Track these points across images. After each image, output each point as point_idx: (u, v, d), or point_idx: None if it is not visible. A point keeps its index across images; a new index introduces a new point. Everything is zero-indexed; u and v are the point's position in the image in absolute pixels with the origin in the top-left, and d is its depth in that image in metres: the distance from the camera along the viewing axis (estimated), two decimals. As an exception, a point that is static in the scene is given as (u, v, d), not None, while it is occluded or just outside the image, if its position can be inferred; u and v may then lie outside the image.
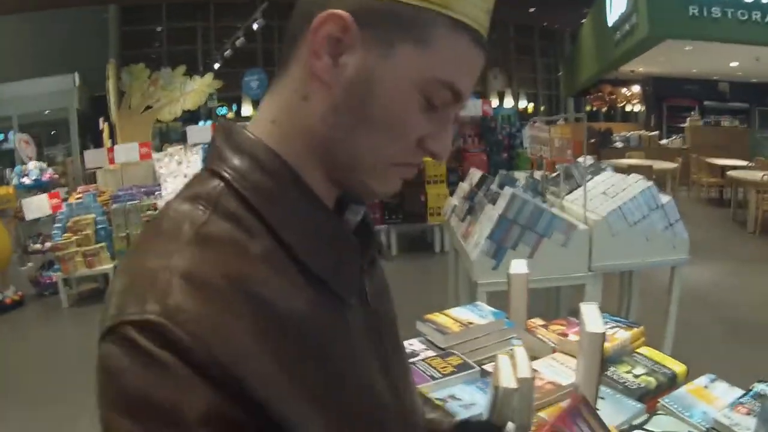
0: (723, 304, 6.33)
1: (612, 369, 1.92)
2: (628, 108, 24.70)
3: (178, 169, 9.17)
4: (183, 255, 0.68)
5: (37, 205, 8.53)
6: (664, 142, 18.03)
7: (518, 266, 2.14)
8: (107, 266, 7.79)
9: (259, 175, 0.77)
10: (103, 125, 12.91)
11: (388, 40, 0.75)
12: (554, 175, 5.01)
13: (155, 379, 0.62)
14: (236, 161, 0.78)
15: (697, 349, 2.14)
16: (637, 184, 4.09)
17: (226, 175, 0.77)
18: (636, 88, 23.50)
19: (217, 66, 17.17)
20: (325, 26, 0.75)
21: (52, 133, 15.22)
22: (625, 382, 1.84)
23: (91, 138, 14.92)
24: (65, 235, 7.80)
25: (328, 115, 0.78)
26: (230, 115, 19.67)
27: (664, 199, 4.01)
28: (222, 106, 18.53)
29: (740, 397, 1.69)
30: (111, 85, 14.32)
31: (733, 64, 16.27)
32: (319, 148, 0.80)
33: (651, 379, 1.84)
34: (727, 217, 11.29)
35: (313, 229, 0.78)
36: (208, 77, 15.52)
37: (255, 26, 14.00)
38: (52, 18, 16.23)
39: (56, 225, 8.08)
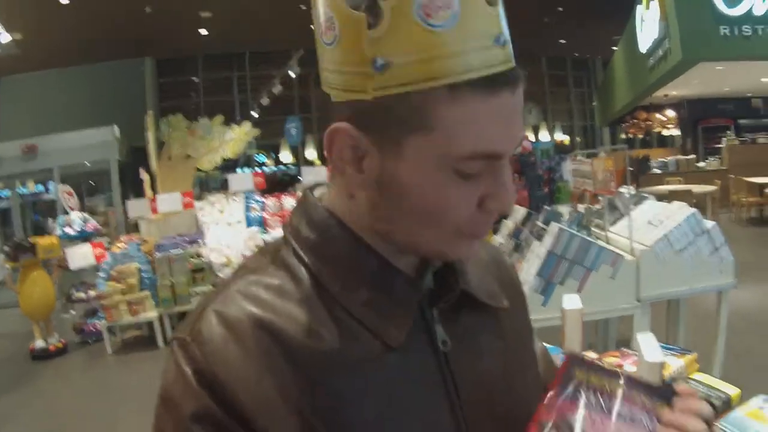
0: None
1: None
2: (664, 133, 24.51)
3: (220, 217, 9.26)
4: (226, 294, 0.85)
5: (82, 255, 8.62)
6: (701, 164, 17.82)
7: (572, 301, 2.16)
8: (151, 314, 7.87)
9: (308, 231, 0.89)
10: (144, 175, 13.11)
11: (394, 139, 0.76)
12: (597, 207, 5.01)
13: (175, 379, 0.81)
14: (297, 222, 0.91)
15: (747, 372, 2.15)
16: (680, 211, 4.08)
17: (288, 233, 0.91)
18: (670, 113, 23.32)
19: (254, 114, 17.44)
20: (335, 143, 0.80)
21: (93, 184, 15.49)
22: None
23: (132, 188, 15.15)
24: (109, 283, 7.90)
25: (372, 212, 0.84)
26: (269, 162, 19.89)
27: (709, 224, 3.99)
28: (261, 153, 18.76)
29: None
30: (150, 135, 14.55)
31: (765, 79, 16.12)
32: (378, 232, 0.86)
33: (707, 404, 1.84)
34: (768, 235, 11.06)
35: (357, 277, 0.85)
36: (246, 125, 15.72)
37: (291, 74, 14.23)
38: (91, 72, 16.67)
39: (100, 274, 8.19)
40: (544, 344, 1.29)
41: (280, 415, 0.77)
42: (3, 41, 9.89)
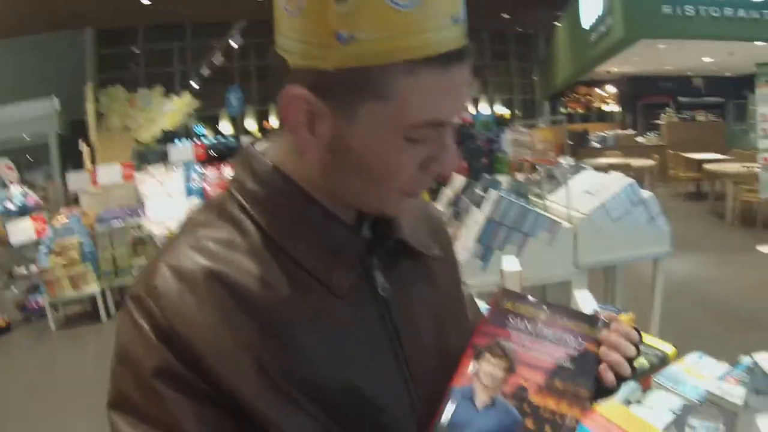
0: (705, 293, 6.45)
1: (606, 353, 2.00)
2: (603, 108, 24.90)
3: (160, 188, 9.16)
4: (176, 249, 0.88)
5: (22, 230, 8.46)
6: (640, 139, 18.13)
7: (511, 263, 2.21)
8: (93, 287, 7.79)
9: (253, 184, 0.93)
10: (84, 147, 12.90)
11: (350, 105, 0.80)
12: (536, 176, 5.10)
13: (132, 337, 0.83)
14: (241, 176, 0.95)
15: (682, 336, 2.23)
16: (618, 181, 4.18)
17: (233, 187, 0.95)
18: (611, 88, 23.70)
19: (194, 85, 17.21)
20: (290, 107, 0.83)
21: (31, 158, 15.18)
22: None
23: (71, 161, 14.88)
24: (51, 258, 7.76)
25: (321, 171, 0.89)
26: (208, 132, 19.67)
27: (645, 194, 4.11)
28: (200, 124, 18.55)
29: (729, 371, 1.78)
30: (89, 107, 14.31)
31: (707, 59, 16.44)
32: (324, 187, 0.91)
33: (643, 361, 1.93)
34: (705, 209, 11.43)
35: (302, 229, 0.90)
36: (186, 97, 15.54)
37: (233, 44, 14.07)
38: (29, 44, 16.24)
39: (42, 248, 8.04)
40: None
41: (237, 364, 0.81)
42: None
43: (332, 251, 0.91)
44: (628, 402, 1.73)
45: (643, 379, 1.86)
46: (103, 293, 7.89)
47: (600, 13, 11.88)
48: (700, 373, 1.81)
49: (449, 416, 0.90)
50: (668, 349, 1.99)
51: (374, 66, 0.77)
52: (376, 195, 0.89)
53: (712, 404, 1.64)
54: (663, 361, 1.95)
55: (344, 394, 0.86)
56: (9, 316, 8.18)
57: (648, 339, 2.08)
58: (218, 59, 15.26)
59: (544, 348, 0.94)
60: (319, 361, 0.85)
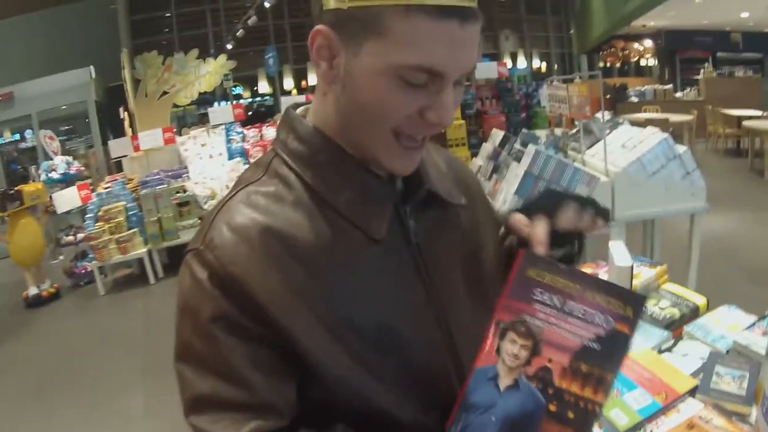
0: (742, 250, 6.41)
1: (640, 303, 2.08)
2: (641, 62, 24.50)
3: (202, 150, 9.33)
4: (230, 205, 0.99)
5: (68, 198, 8.64)
6: (678, 95, 17.85)
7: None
8: (141, 251, 7.96)
9: (296, 143, 1.04)
10: (124, 114, 13.03)
11: (357, 41, 0.90)
12: (573, 131, 5.12)
13: (191, 288, 0.95)
14: (285, 137, 1.07)
15: (716, 290, 2.27)
16: (653, 136, 4.20)
17: (278, 147, 1.07)
18: (648, 43, 23.28)
19: (229, 47, 17.25)
20: (315, 40, 0.94)
21: (72, 127, 15.34)
22: (652, 314, 2.01)
23: (111, 129, 15.06)
24: (97, 224, 7.94)
25: (336, 107, 0.99)
26: (246, 94, 19.73)
27: (681, 149, 4.12)
28: (237, 85, 18.60)
29: (756, 322, 1.85)
30: (126, 74, 14.42)
31: (744, 14, 16.12)
32: (343, 131, 1.02)
33: (675, 311, 2.00)
34: (744, 166, 11.23)
35: (342, 182, 1.01)
36: (222, 58, 15.57)
37: (266, 4, 14.03)
38: (62, 14, 16.36)
39: (88, 215, 8.22)
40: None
41: (287, 303, 0.92)
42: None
43: (369, 201, 1.02)
44: (659, 349, 1.80)
45: (675, 329, 1.93)
46: (150, 255, 8.05)
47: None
48: (729, 324, 1.87)
49: (472, 398, 0.92)
50: (700, 300, 2.05)
51: (376, 5, 0.86)
52: (374, 136, 0.97)
53: (738, 353, 1.71)
54: (694, 312, 2.01)
55: (378, 326, 0.97)
56: (58, 283, 8.36)
57: (680, 290, 2.16)
58: (252, 19, 15.26)
59: (571, 326, 0.91)
60: (358, 300, 0.96)
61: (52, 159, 10.13)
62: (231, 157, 9.17)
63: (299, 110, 1.11)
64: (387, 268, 1.01)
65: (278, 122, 1.13)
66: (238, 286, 0.91)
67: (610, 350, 0.90)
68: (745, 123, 11.39)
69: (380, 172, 1.05)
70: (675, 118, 12.93)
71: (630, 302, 0.91)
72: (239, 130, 9.73)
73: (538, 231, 0.97)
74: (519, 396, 0.91)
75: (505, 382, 0.91)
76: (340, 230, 0.98)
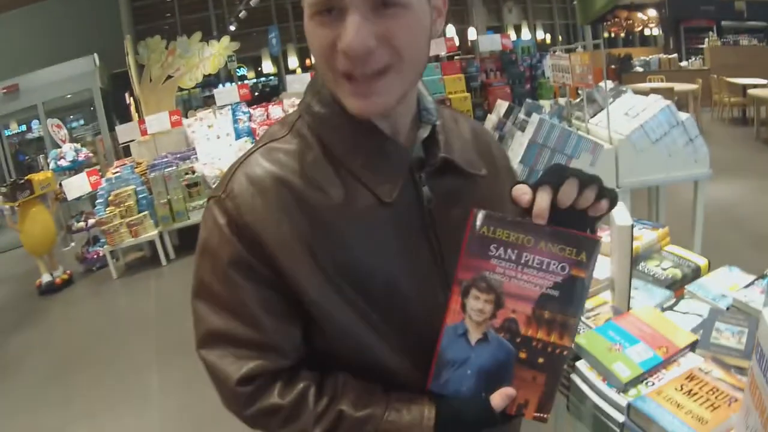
0: (747, 218, 6.41)
1: (643, 264, 2.13)
2: (645, 32, 24.40)
3: (209, 131, 9.37)
4: (251, 158, 1.07)
5: (78, 185, 8.66)
6: (683, 64, 17.75)
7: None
8: (152, 233, 8.02)
9: (318, 107, 1.10)
10: (130, 100, 13.06)
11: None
12: (577, 100, 5.15)
13: (211, 231, 1.04)
14: (309, 100, 1.13)
15: (719, 256, 2.31)
16: (656, 103, 4.22)
17: (302, 108, 1.14)
18: (652, 12, 23.17)
19: (232, 28, 17.25)
20: None
21: (78, 115, 15.36)
22: (654, 274, 2.06)
23: (117, 115, 15.10)
24: (108, 209, 7.99)
25: None
26: (251, 74, 19.73)
27: (683, 116, 4.14)
28: (241, 66, 18.60)
29: (755, 280, 1.90)
30: (130, 60, 14.43)
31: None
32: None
33: (677, 271, 2.05)
34: (750, 135, 11.13)
35: (358, 145, 1.08)
36: (225, 40, 15.55)
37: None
38: (64, 4, 16.35)
39: (98, 201, 8.28)
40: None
41: (295, 253, 1.00)
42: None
43: (383, 165, 1.07)
44: (661, 308, 1.84)
45: (677, 288, 1.98)
46: (161, 237, 8.11)
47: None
48: (729, 284, 1.92)
49: (447, 355, 0.99)
50: (701, 261, 2.09)
51: None
52: (329, 81, 1.02)
53: (737, 310, 1.75)
54: (696, 272, 2.05)
55: (383, 284, 1.04)
56: (70, 269, 8.44)
57: (682, 252, 2.20)
58: (254, 0, 15.26)
59: (530, 277, 0.95)
60: (365, 257, 1.03)
61: (60, 147, 10.16)
62: (238, 137, 9.21)
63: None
64: (396, 230, 1.06)
65: (306, 85, 1.17)
66: (253, 234, 1.00)
67: (569, 295, 0.94)
68: (750, 91, 11.31)
69: (401, 136, 1.11)
70: (680, 87, 12.83)
71: (583, 247, 0.94)
72: (245, 110, 9.75)
73: (539, 202, 0.96)
74: (489, 348, 0.97)
75: (474, 336, 0.98)
76: (352, 190, 1.04)
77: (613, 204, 1.00)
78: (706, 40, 17.76)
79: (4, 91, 12.89)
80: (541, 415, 0.98)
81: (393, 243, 1.06)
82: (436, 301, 1.06)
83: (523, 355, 0.96)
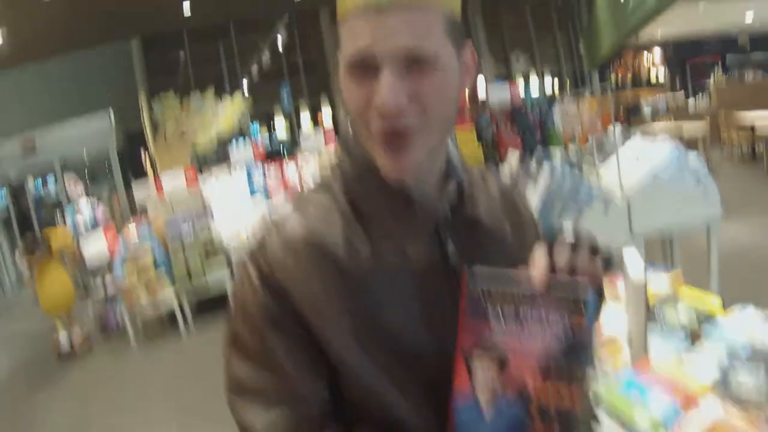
0: (763, 255, 6.31)
1: (658, 310, 2.15)
2: (652, 72, 24.54)
3: (225, 189, 9.47)
4: (285, 214, 1.10)
5: (95, 243, 8.79)
6: (690, 101, 17.87)
7: (566, 227, 2.38)
8: (169, 292, 8.01)
9: (349, 165, 1.14)
10: (145, 157, 13.22)
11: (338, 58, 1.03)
12: (587, 147, 5.20)
13: (245, 285, 1.07)
14: (338, 155, 1.18)
15: (737, 294, 2.32)
16: (664, 146, 4.26)
17: (333, 165, 1.18)
18: (657, 52, 23.33)
19: (245, 84, 17.48)
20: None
21: (94, 170, 15.54)
22: (670, 319, 2.07)
23: (133, 172, 15.24)
24: (125, 267, 8.01)
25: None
26: (263, 131, 19.90)
27: (692, 157, 4.18)
28: (254, 122, 18.77)
29: (769, 317, 1.92)
30: (145, 117, 14.65)
31: (749, 15, 16.12)
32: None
33: (693, 314, 2.06)
34: (761, 171, 11.10)
35: (387, 204, 1.11)
36: (238, 97, 15.77)
37: (278, 40, 14.25)
38: (79, 59, 16.66)
39: (115, 260, 8.30)
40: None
41: (324, 310, 1.03)
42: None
43: (410, 225, 1.10)
44: (678, 353, 1.86)
45: (692, 330, 1.99)
46: (180, 302, 8.08)
47: (633, -25, 11.76)
48: (745, 324, 1.93)
49: (458, 428, 0.96)
50: (716, 302, 2.11)
51: (339, 24, 1.01)
52: (364, 140, 1.06)
53: (754, 350, 1.75)
54: (710, 313, 2.06)
55: (408, 342, 1.06)
56: (89, 331, 8.45)
57: (696, 293, 2.22)
58: (265, 57, 15.50)
59: (531, 332, 0.93)
60: (390, 312, 1.05)
61: (76, 202, 10.30)
62: (253, 194, 9.31)
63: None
64: (423, 288, 1.08)
65: (337, 141, 1.29)
66: (283, 291, 1.03)
67: (572, 346, 0.92)
68: (758, 125, 11.35)
69: (424, 195, 1.13)
70: (688, 126, 12.89)
71: (579, 295, 0.92)
72: (260, 167, 9.89)
73: (535, 263, 0.97)
74: (502, 415, 0.95)
75: (485, 402, 0.95)
76: (380, 249, 1.07)
77: (608, 265, 1.00)
78: (712, 76, 17.85)
79: (24, 146, 13.13)
80: None
81: (420, 301, 1.08)
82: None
83: (537, 418, 0.93)
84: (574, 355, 0.92)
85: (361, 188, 1.12)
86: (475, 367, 0.96)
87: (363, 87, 0.99)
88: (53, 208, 14.40)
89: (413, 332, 1.07)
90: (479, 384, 0.95)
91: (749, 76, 17.94)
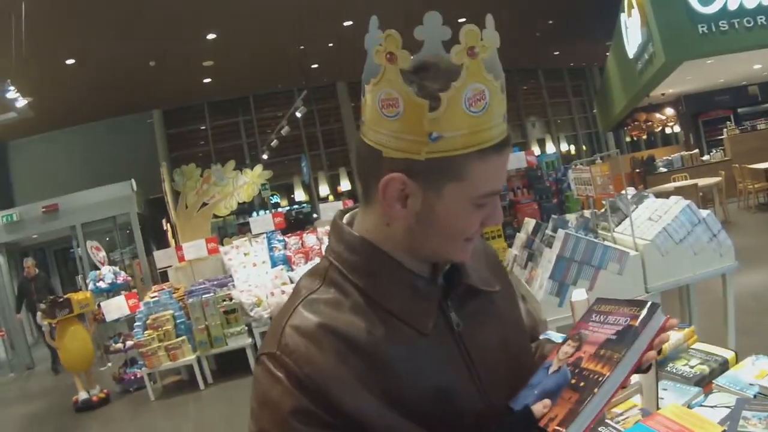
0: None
1: (671, 364, 2.20)
2: (666, 131, 24.66)
3: (245, 259, 9.59)
4: (296, 312, 1.15)
5: (116, 306, 8.96)
6: (705, 158, 17.91)
7: (578, 295, 2.44)
8: (190, 357, 8.11)
9: (349, 255, 1.21)
10: (166, 226, 13.39)
11: (437, 185, 1.10)
12: (602, 211, 5.27)
13: (271, 385, 1.09)
14: (337, 248, 1.24)
15: (756, 344, 2.35)
16: (677, 204, 4.32)
17: (332, 257, 1.23)
18: (670, 110, 23.44)
19: (264, 156, 17.74)
20: (389, 187, 1.11)
21: (115, 238, 15.75)
22: (682, 373, 2.11)
23: (154, 239, 15.44)
24: (146, 332, 8.15)
25: (406, 234, 1.18)
26: (283, 202, 20.12)
27: (704, 213, 4.24)
28: (274, 194, 18.99)
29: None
30: (166, 187, 14.87)
31: (757, 66, 16.25)
32: (406, 248, 1.21)
33: (704, 367, 2.08)
34: (777, 220, 10.98)
35: (393, 286, 1.20)
36: (258, 168, 15.97)
37: (297, 114, 14.54)
38: (101, 128, 17.04)
39: (136, 323, 8.45)
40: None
41: (357, 392, 1.08)
42: (18, 105, 10.19)
43: (417, 301, 1.19)
44: (689, 405, 1.88)
45: (705, 384, 2.02)
46: (199, 362, 8.18)
47: (641, 40, 12.04)
48: (757, 372, 1.95)
49: (531, 380, 1.23)
50: (728, 354, 2.13)
51: (456, 155, 1.07)
52: (450, 247, 1.19)
53: (764, 396, 1.79)
54: (723, 366, 2.09)
55: (431, 403, 1.14)
56: (107, 389, 8.55)
57: (709, 348, 2.27)
58: (285, 129, 15.77)
59: (604, 329, 1.21)
60: (412, 381, 1.13)
61: (98, 269, 10.45)
62: (274, 264, 9.40)
63: (346, 218, 1.29)
64: (436, 355, 1.18)
65: (329, 230, 1.30)
66: (315, 385, 1.06)
67: (622, 338, 1.17)
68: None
69: (423, 273, 1.23)
70: (704, 182, 12.99)
71: (644, 307, 1.20)
72: (280, 237, 10.04)
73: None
74: (557, 376, 1.18)
75: (552, 368, 1.22)
76: (393, 328, 1.14)
77: None
78: (725, 130, 17.92)
79: (44, 210, 13.29)
80: (561, 429, 1.08)
81: (435, 367, 1.17)
82: (476, 408, 1.19)
83: (573, 381, 1.15)
84: (619, 343, 1.16)
85: (368, 275, 1.19)
86: (563, 346, 1.26)
87: (482, 210, 1.15)
88: (75, 274, 14.59)
89: (434, 393, 1.16)
90: (558, 354, 1.25)
91: (761, 125, 18.02)
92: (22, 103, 10.13)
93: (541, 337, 1.72)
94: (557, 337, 2.00)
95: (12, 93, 9.67)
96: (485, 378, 1.23)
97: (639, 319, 1.18)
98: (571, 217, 5.43)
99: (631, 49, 13.12)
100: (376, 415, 1.09)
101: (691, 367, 2.13)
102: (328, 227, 7.45)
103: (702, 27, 10.56)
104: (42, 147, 16.82)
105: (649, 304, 1.21)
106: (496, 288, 1.37)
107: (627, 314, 1.21)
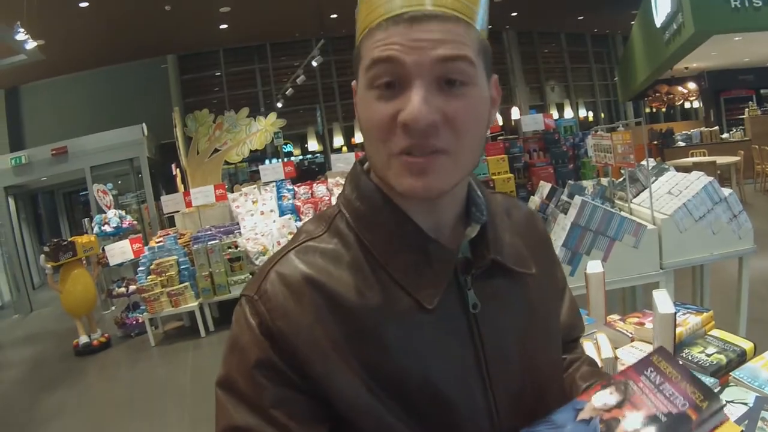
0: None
1: (686, 351, 2.09)
2: (686, 105, 24.43)
3: (253, 207, 9.50)
4: (286, 258, 1.05)
5: (120, 251, 8.91)
6: (725, 136, 17.73)
7: (594, 266, 2.33)
8: (192, 304, 8.10)
9: (359, 202, 1.07)
10: (176, 171, 13.33)
11: (357, 75, 1.00)
12: (620, 180, 5.15)
13: (243, 330, 1.01)
14: (350, 194, 1.10)
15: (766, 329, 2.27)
16: (698, 180, 4.19)
17: (342, 204, 1.11)
18: (692, 85, 23.19)
19: (279, 105, 17.63)
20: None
21: (124, 182, 15.77)
22: (698, 361, 2.00)
23: (163, 184, 15.41)
24: (150, 277, 8.14)
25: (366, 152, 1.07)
26: (297, 151, 20.04)
27: (726, 192, 4.10)
28: (287, 143, 18.91)
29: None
30: (178, 132, 14.78)
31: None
32: (375, 171, 1.07)
33: (722, 357, 1.99)
34: (795, 204, 10.89)
35: (400, 246, 1.03)
36: (272, 116, 15.88)
37: (314, 63, 14.36)
38: (115, 73, 16.92)
39: (140, 268, 8.44)
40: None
41: (329, 358, 0.97)
42: (28, 47, 10.06)
43: (426, 269, 1.02)
44: None
45: (722, 376, 1.91)
46: (201, 309, 8.18)
47: (670, 10, 11.79)
48: None
49: (553, 416, 1.02)
50: (747, 345, 2.03)
51: (360, 40, 0.98)
52: (378, 160, 0.99)
53: None
54: (741, 357, 1.99)
55: (420, 388, 0.98)
56: (108, 333, 8.60)
57: (727, 336, 2.16)
58: (301, 78, 15.61)
59: (656, 399, 1.01)
60: (400, 359, 0.98)
61: (104, 212, 10.43)
62: (282, 214, 9.32)
63: (367, 165, 1.12)
64: (437, 335, 1.01)
65: (346, 177, 1.15)
66: (284, 339, 0.97)
67: (673, 425, 0.96)
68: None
69: (439, 237, 1.05)
70: (722, 160, 12.80)
71: (709, 398, 0.98)
72: (290, 187, 9.95)
73: None
74: (584, 429, 0.99)
75: (583, 415, 1.01)
76: (390, 294, 1.00)
77: None
78: (746, 110, 17.72)
79: (54, 152, 13.23)
80: None
81: (433, 348, 1.00)
82: (476, 405, 1.03)
83: None
84: (666, 430, 0.97)
85: (373, 228, 1.04)
86: (603, 391, 1.05)
87: (388, 102, 0.93)
88: (82, 216, 14.59)
89: (425, 377, 1.00)
90: (594, 400, 1.04)
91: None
92: (32, 45, 9.96)
93: (583, 345, 1.54)
94: (592, 351, 1.87)
95: (21, 35, 9.50)
96: (497, 373, 1.05)
97: (699, 416, 0.97)
98: (588, 184, 5.29)
99: (659, 19, 12.81)
100: (347, 388, 0.97)
101: (708, 356, 2.03)
102: (338, 178, 7.39)
103: (735, 1, 10.30)
104: (54, 90, 16.69)
105: (715, 397, 1.00)
106: (532, 270, 1.16)
107: (687, 396, 1.00)
